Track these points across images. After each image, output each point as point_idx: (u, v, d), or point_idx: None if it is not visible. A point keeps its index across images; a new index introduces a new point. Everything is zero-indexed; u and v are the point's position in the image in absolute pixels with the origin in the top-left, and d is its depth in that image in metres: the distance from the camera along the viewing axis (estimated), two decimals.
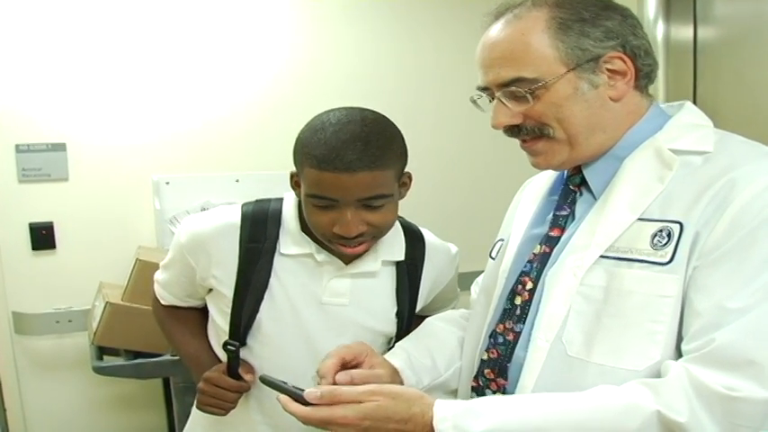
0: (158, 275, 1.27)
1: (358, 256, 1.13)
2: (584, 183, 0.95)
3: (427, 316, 1.33)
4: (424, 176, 2.54)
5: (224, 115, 2.38)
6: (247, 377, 1.15)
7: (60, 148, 2.18)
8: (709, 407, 0.74)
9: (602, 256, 0.86)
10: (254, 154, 2.38)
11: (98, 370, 1.98)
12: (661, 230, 0.83)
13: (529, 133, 0.92)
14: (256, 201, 1.17)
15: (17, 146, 2.16)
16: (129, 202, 2.29)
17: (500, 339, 0.96)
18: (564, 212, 0.97)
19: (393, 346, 1.21)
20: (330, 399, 0.80)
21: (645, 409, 0.75)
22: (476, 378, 0.99)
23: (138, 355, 2.00)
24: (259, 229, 1.12)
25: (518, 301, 0.95)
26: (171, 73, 2.31)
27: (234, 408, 1.16)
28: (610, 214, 0.87)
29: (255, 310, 1.12)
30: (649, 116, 0.93)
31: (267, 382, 0.87)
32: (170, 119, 2.32)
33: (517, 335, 0.93)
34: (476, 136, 2.32)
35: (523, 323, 0.93)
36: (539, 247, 0.96)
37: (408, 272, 1.18)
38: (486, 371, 0.97)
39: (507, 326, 0.95)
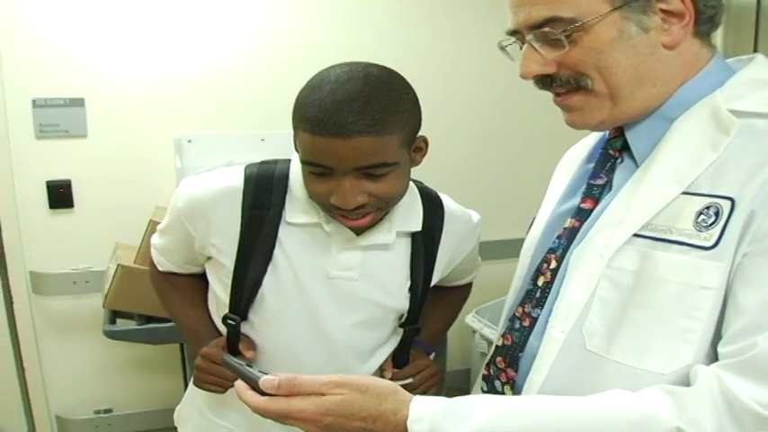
0: (155, 240, 1.18)
1: (371, 227, 1.03)
2: (626, 147, 0.82)
3: (444, 287, 1.26)
4: (462, 139, 2.55)
5: (250, 71, 2.27)
6: (248, 354, 1.07)
7: (78, 103, 2.10)
8: (740, 426, 0.62)
9: (636, 235, 0.73)
10: (282, 112, 2.24)
11: (109, 334, 1.95)
12: (708, 207, 0.69)
13: (563, 85, 0.78)
14: (261, 162, 1.06)
15: (34, 100, 2.09)
16: (150, 160, 2.22)
17: (517, 324, 0.85)
18: (600, 181, 0.84)
19: (404, 323, 1.14)
20: (288, 389, 0.69)
21: (663, 424, 0.64)
22: (488, 365, 0.89)
23: (151, 319, 1.94)
24: (263, 195, 1.02)
25: (540, 281, 0.84)
26: (195, 26, 2.21)
27: (233, 386, 1.08)
28: (650, 185, 0.74)
29: (258, 283, 1.03)
30: (709, 70, 0.77)
31: (227, 364, 0.76)
32: (193, 74, 2.22)
33: (534, 321, 0.83)
34: (520, 96, 2.18)
35: (541, 308, 0.82)
36: (570, 220, 0.84)
37: (425, 243, 1.09)
38: (498, 359, 0.86)
39: (526, 309, 0.85)
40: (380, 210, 0.97)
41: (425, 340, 1.24)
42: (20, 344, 2.33)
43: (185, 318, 1.18)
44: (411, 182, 1.11)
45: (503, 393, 0.86)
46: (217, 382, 1.07)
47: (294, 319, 1.06)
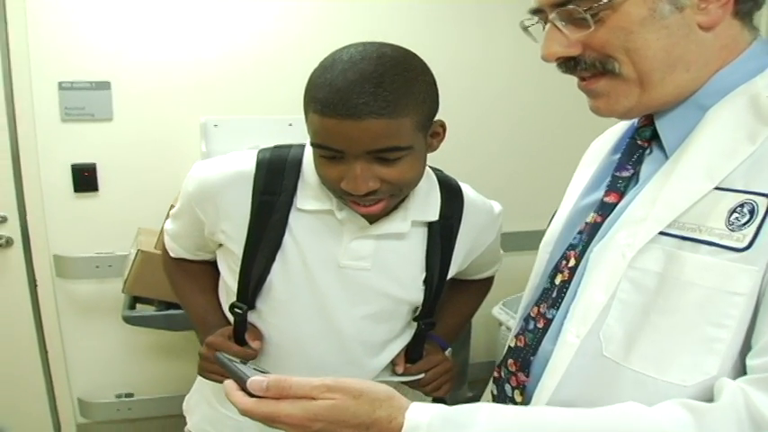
0: (168, 225, 1.16)
1: (385, 215, 0.99)
2: (655, 137, 0.75)
3: (462, 280, 1.21)
4: (490, 128, 2.49)
5: (278, 55, 2.24)
6: (254, 344, 1.04)
7: (104, 86, 2.09)
8: None
9: (662, 233, 0.68)
10: None
11: (127, 319, 1.94)
12: (742, 205, 0.63)
13: (588, 68, 0.71)
14: (275, 146, 1.03)
15: (60, 83, 2.08)
16: (176, 144, 2.19)
17: (531, 325, 0.80)
18: (625, 173, 0.77)
19: (419, 318, 1.09)
20: (277, 392, 0.64)
21: None
22: (499, 367, 0.83)
23: (170, 305, 1.93)
24: (275, 180, 0.99)
25: (558, 280, 0.78)
26: (222, 9, 2.17)
27: None
28: (679, 179, 0.68)
29: (266, 271, 1.00)
30: (750, 54, 0.70)
31: (219, 360, 0.72)
32: (220, 58, 2.19)
33: (548, 322, 0.77)
34: (549, 84, 2.14)
35: (557, 309, 0.76)
36: (592, 215, 0.78)
37: (442, 233, 1.05)
38: (509, 361, 0.81)
39: (541, 310, 0.79)
40: (394, 197, 0.93)
41: (441, 335, 1.20)
42: (43, 327, 2.34)
43: (195, 305, 1.16)
44: (430, 170, 1.06)
45: (512, 398, 0.81)
46: (219, 371, 1.03)
47: (302, 308, 1.03)
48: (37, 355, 2.36)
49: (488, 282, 1.30)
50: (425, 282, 1.06)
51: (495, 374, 0.85)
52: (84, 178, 2.15)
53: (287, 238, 1.00)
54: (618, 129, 0.87)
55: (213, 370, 1.05)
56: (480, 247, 1.13)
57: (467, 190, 1.10)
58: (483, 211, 1.11)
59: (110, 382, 2.41)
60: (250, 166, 1.00)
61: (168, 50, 2.14)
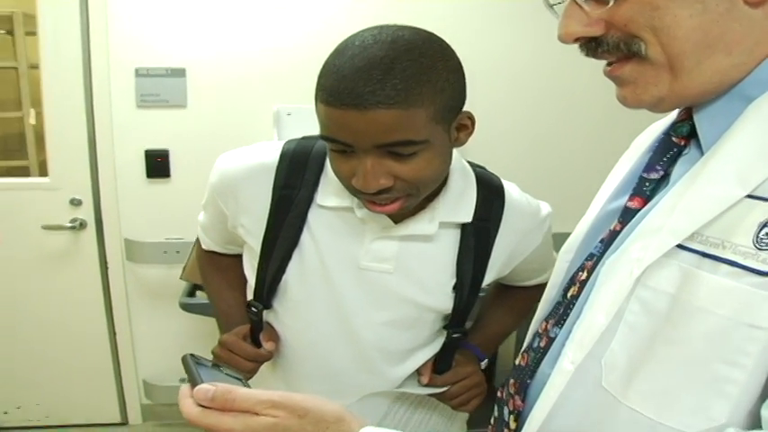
0: (200, 217, 1.11)
1: (411, 214, 0.91)
2: (694, 134, 0.63)
3: (509, 286, 1.12)
4: (539, 125, 2.40)
5: None
6: (267, 345, 0.99)
7: (180, 73, 2.10)
8: None
9: (682, 247, 0.56)
10: None
11: (184, 306, 1.95)
12: None
13: (611, 51, 0.60)
14: (303, 137, 0.97)
15: (137, 70, 2.10)
16: (248, 132, 2.18)
17: (536, 343, 0.71)
18: (654, 175, 0.66)
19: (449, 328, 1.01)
20: (221, 403, 0.58)
21: None
22: (502, 387, 0.75)
23: None
24: (296, 173, 0.93)
25: (570, 293, 0.69)
26: None
27: (250, 378, 0.99)
28: (706, 183, 0.56)
29: (282, 269, 0.95)
30: None
31: (184, 362, 0.66)
32: (294, 46, 2.16)
33: (550, 342, 0.68)
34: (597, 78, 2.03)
35: (561, 327, 0.67)
36: (615, 222, 0.67)
37: (476, 236, 0.96)
38: (511, 381, 0.73)
39: (548, 326, 0.70)
40: (411, 196, 0.85)
41: (478, 344, 1.11)
42: (113, 309, 2.39)
43: (221, 300, 1.12)
44: (468, 166, 0.98)
45: (507, 424, 0.73)
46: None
47: (319, 310, 0.97)
48: (106, 336, 2.41)
49: (539, 289, 1.17)
50: (455, 288, 0.97)
51: (498, 394, 0.76)
52: (157, 164, 2.17)
53: (305, 236, 0.94)
54: (662, 123, 0.75)
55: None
56: (523, 252, 1.03)
57: (510, 189, 1.00)
58: (527, 213, 1.00)
59: (174, 366, 2.43)
60: (273, 157, 0.94)
61: (243, 39, 2.14)
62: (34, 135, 2.31)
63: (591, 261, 0.68)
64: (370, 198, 0.83)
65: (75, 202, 2.24)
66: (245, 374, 0.98)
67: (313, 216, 0.94)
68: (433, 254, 0.95)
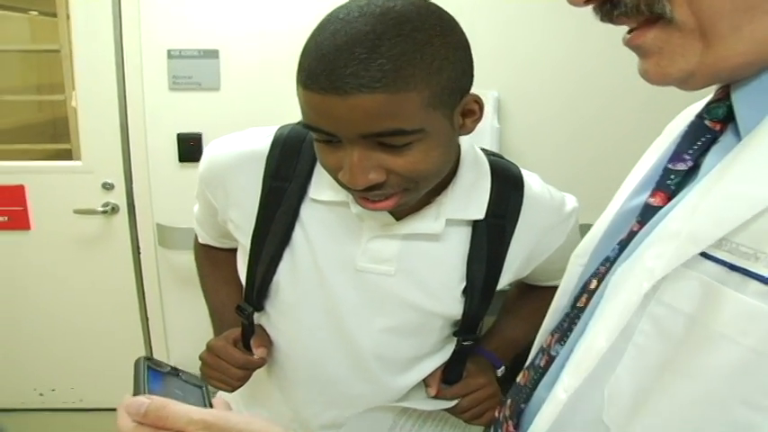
0: (195, 208, 1.03)
1: (414, 210, 0.83)
2: (732, 117, 0.51)
3: (531, 285, 1.02)
4: (576, 109, 2.31)
5: None
6: (258, 351, 0.91)
7: (213, 55, 2.04)
8: None
9: (706, 256, 0.44)
10: None
11: None
12: None
13: (630, 13, 0.48)
14: (298, 122, 0.86)
15: (169, 51, 2.04)
16: (283, 116, 2.05)
17: (538, 359, 0.61)
18: (681, 166, 0.54)
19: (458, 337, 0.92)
20: (154, 420, 0.51)
21: None
22: (501, 406, 0.66)
23: None
24: (288, 163, 0.84)
25: (579, 304, 0.58)
26: None
27: (241, 385, 0.93)
28: (738, 179, 0.44)
29: (272, 269, 0.87)
30: None
31: (135, 367, 0.59)
32: None
33: (550, 361, 0.58)
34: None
35: (563, 345, 0.57)
36: (634, 221, 0.55)
37: (490, 235, 0.86)
38: (509, 401, 0.64)
39: (553, 341, 0.59)
40: (408, 191, 0.74)
41: (495, 349, 1.02)
42: (145, 295, 2.37)
43: (215, 297, 1.05)
44: (482, 155, 0.87)
45: None
46: (221, 378, 0.92)
47: (312, 315, 0.89)
48: (138, 322, 2.40)
49: None
50: (465, 292, 0.87)
51: (496, 413, 0.67)
52: (190, 148, 2.12)
53: (297, 233, 0.86)
54: (699, 106, 0.61)
55: (213, 376, 0.93)
56: (545, 251, 0.92)
57: (531, 181, 0.89)
58: (549, 207, 0.89)
59: None
60: (264, 144, 0.85)
61: (278, 19, 2.06)
62: (76, 118, 2.29)
63: (605, 267, 0.56)
64: (360, 194, 0.74)
65: (108, 186, 2.21)
66: (234, 383, 0.91)
67: (306, 211, 0.85)
68: (440, 254, 0.86)
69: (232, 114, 2.09)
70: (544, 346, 0.62)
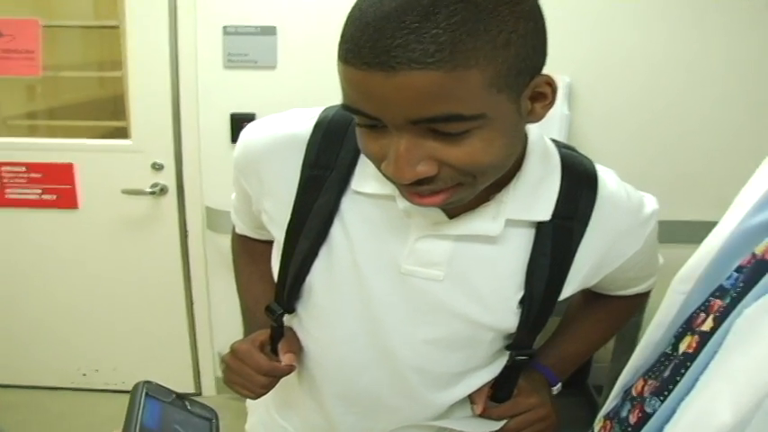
0: (232, 196, 0.94)
1: (470, 207, 0.72)
2: None
3: (598, 294, 0.91)
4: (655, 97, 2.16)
5: None
6: (285, 358, 0.83)
7: (270, 31, 1.96)
8: None
9: None
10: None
11: None
12: None
13: None
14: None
15: (225, 28, 1.98)
16: (340, 97, 2.04)
17: (625, 410, 0.51)
18: None
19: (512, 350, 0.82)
20: None
21: None
22: None
23: None
24: (330, 150, 0.75)
25: (683, 347, 0.48)
26: None
27: (265, 393, 0.84)
28: None
29: (305, 268, 0.78)
30: None
31: (132, 393, 0.50)
32: None
33: (643, 419, 0.49)
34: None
35: (663, 400, 0.47)
36: (765, 243, 0.45)
37: (556, 239, 0.75)
38: None
39: (645, 389, 0.50)
40: (463, 186, 0.64)
41: (551, 365, 0.92)
42: (191, 278, 2.32)
43: (249, 293, 0.97)
44: (553, 147, 0.77)
45: None
46: (243, 385, 0.84)
47: (348, 321, 0.80)
48: (183, 305, 2.36)
49: (637, 299, 0.94)
50: (522, 303, 0.77)
51: None
52: (243, 129, 2.05)
53: (335, 228, 0.76)
54: None
55: (236, 381, 0.85)
56: (618, 258, 0.81)
57: (606, 179, 0.78)
58: (625, 209, 0.78)
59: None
60: (306, 128, 0.76)
61: None
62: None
63: (721, 300, 0.47)
64: (407, 188, 0.64)
65: (157, 167, 2.16)
66: (258, 390, 0.83)
67: (347, 204, 0.76)
68: (496, 259, 0.76)
69: (288, 94, 2.02)
70: (635, 392, 0.52)
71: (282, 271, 0.81)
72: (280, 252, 0.81)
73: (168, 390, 0.48)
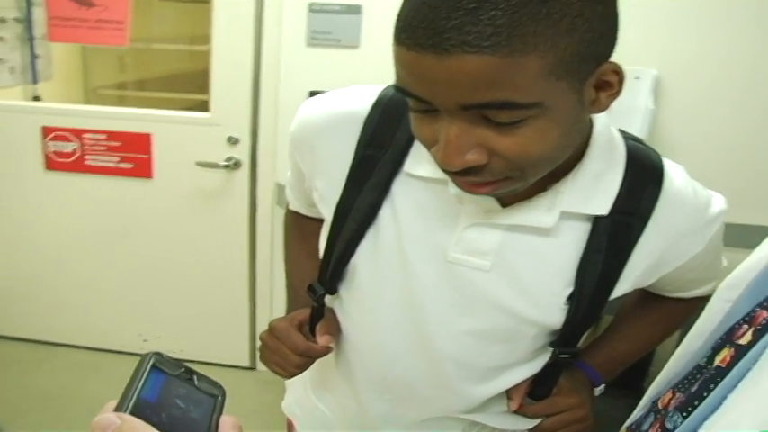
0: (288, 171, 0.94)
1: (524, 197, 0.70)
2: None
3: (653, 293, 0.87)
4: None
5: None
6: (322, 340, 0.82)
7: (355, 10, 1.96)
8: None
9: None
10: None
11: None
12: None
13: None
14: None
15: (310, 5, 1.99)
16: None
17: (647, 424, 0.48)
18: None
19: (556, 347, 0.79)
20: None
21: None
22: None
23: None
24: (387, 129, 0.73)
25: (717, 360, 0.44)
26: None
27: (299, 373, 0.83)
28: None
29: (350, 249, 0.77)
30: None
31: (139, 362, 0.46)
32: None
33: None
34: None
35: (685, 417, 0.44)
36: None
37: (613, 235, 0.71)
38: None
39: (673, 400, 0.46)
40: (511, 180, 0.61)
41: (598, 365, 0.89)
42: (256, 253, 2.35)
43: (296, 270, 0.95)
44: (620, 137, 0.73)
45: None
46: (278, 363, 0.83)
47: (389, 307, 0.78)
48: (246, 280, 2.39)
49: (695, 303, 0.87)
50: (570, 299, 0.74)
51: None
52: None
53: (384, 211, 0.75)
54: None
55: (272, 360, 0.84)
56: (678, 258, 0.77)
57: (674, 174, 0.74)
58: (691, 207, 0.74)
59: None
60: (365, 105, 0.74)
61: None
62: None
63: (765, 311, 0.44)
64: (455, 177, 0.63)
65: (233, 141, 2.20)
66: (292, 369, 0.82)
67: (398, 186, 0.74)
68: (548, 252, 0.73)
69: (369, 74, 2.00)
70: (660, 405, 0.48)
71: (328, 251, 0.81)
72: (327, 231, 0.80)
73: (178, 363, 0.46)
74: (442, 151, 0.59)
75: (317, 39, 2.00)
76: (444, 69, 0.53)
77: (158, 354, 0.46)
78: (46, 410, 2.18)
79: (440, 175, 0.69)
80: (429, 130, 0.60)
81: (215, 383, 0.48)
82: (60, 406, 2.20)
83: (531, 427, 0.84)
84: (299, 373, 0.85)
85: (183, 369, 0.46)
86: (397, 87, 0.60)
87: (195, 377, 0.47)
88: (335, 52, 2.00)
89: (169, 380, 0.45)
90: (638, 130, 1.78)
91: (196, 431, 0.42)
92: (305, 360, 0.83)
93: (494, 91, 0.53)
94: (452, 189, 0.70)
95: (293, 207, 0.97)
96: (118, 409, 0.41)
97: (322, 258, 0.83)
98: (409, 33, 0.54)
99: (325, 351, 0.83)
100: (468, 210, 0.72)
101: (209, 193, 2.28)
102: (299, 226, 0.98)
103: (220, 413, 0.44)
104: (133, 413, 0.40)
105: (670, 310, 0.91)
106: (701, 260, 0.78)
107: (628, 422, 0.57)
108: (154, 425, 0.39)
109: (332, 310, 0.86)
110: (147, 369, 0.44)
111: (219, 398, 0.47)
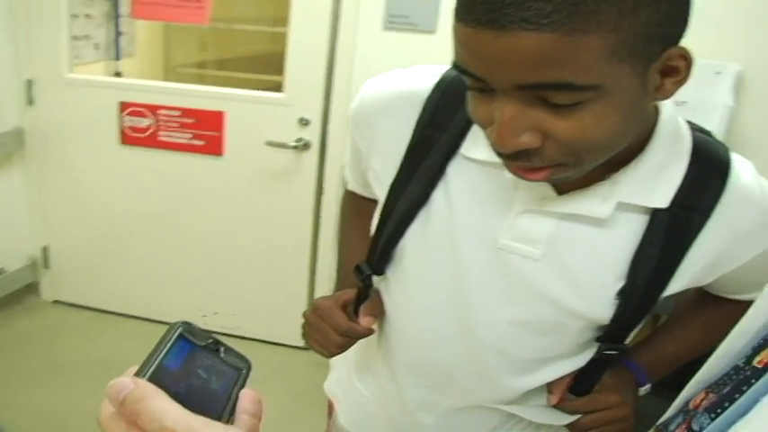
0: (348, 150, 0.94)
1: (580, 186, 0.67)
2: None
3: (709, 293, 0.82)
4: None
5: None
6: (364, 321, 0.82)
7: None
8: None
9: None
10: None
11: None
12: None
13: None
14: None
15: None
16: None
17: (674, 424, 0.45)
18: None
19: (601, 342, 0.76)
20: (129, 412, 0.40)
21: None
22: None
23: None
24: (447, 110, 0.72)
25: (756, 361, 0.42)
26: None
27: (339, 353, 0.83)
28: None
29: (400, 231, 0.76)
30: None
31: (166, 331, 0.46)
32: None
33: None
34: None
35: (713, 419, 0.43)
36: None
37: (671, 229, 0.68)
38: None
39: (704, 401, 0.43)
40: (564, 166, 0.59)
41: (645, 363, 0.85)
42: (319, 235, 2.37)
43: (348, 250, 0.95)
44: (687, 128, 0.70)
45: None
46: (320, 342, 0.83)
47: (434, 291, 0.77)
48: (307, 261, 2.41)
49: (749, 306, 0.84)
50: (621, 294, 0.70)
51: None
52: None
53: (438, 193, 0.73)
54: None
55: (314, 338, 0.84)
56: (738, 258, 0.73)
57: (741, 170, 0.69)
58: (757, 205, 0.70)
59: None
60: (427, 85, 0.73)
61: None
62: None
63: None
64: (507, 160, 0.61)
65: (304, 122, 2.22)
66: (333, 349, 0.82)
67: (453, 169, 0.73)
68: (601, 244, 0.70)
69: (445, 60, 1.99)
70: (691, 406, 0.46)
71: (378, 231, 0.80)
72: (380, 212, 0.80)
73: (206, 334, 0.46)
74: (496, 132, 0.57)
75: (393, 22, 2.00)
76: (501, 47, 0.51)
77: (187, 323, 0.46)
78: (103, 377, 2.25)
79: (496, 158, 0.66)
80: (485, 110, 0.59)
81: (242, 357, 0.47)
82: (117, 374, 2.25)
83: (567, 422, 0.82)
84: (339, 353, 0.85)
85: (210, 340, 0.46)
86: (454, 65, 0.59)
87: (222, 349, 0.46)
88: (412, 36, 2.00)
89: (194, 350, 0.44)
90: (714, 127, 1.70)
91: (214, 402, 0.42)
92: (346, 340, 0.83)
93: (551, 71, 0.51)
94: (508, 174, 0.67)
95: (351, 187, 0.97)
96: (137, 374, 0.41)
97: (372, 239, 0.82)
98: (468, 9, 0.52)
99: (367, 332, 0.83)
100: (523, 196, 0.70)
101: (277, 173, 2.32)
102: (356, 206, 0.97)
103: (242, 386, 0.44)
104: (151, 380, 0.40)
105: (726, 313, 0.85)
106: (763, 261, 0.73)
107: (659, 422, 0.55)
108: (171, 393, 0.39)
109: (377, 292, 0.86)
110: (174, 338, 0.44)
111: (244, 371, 0.46)
